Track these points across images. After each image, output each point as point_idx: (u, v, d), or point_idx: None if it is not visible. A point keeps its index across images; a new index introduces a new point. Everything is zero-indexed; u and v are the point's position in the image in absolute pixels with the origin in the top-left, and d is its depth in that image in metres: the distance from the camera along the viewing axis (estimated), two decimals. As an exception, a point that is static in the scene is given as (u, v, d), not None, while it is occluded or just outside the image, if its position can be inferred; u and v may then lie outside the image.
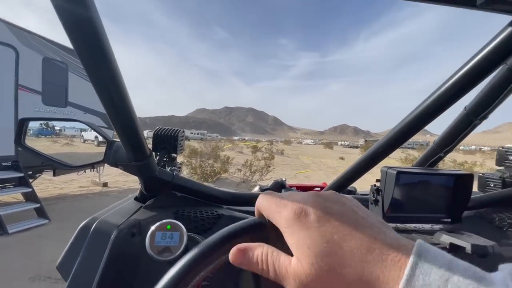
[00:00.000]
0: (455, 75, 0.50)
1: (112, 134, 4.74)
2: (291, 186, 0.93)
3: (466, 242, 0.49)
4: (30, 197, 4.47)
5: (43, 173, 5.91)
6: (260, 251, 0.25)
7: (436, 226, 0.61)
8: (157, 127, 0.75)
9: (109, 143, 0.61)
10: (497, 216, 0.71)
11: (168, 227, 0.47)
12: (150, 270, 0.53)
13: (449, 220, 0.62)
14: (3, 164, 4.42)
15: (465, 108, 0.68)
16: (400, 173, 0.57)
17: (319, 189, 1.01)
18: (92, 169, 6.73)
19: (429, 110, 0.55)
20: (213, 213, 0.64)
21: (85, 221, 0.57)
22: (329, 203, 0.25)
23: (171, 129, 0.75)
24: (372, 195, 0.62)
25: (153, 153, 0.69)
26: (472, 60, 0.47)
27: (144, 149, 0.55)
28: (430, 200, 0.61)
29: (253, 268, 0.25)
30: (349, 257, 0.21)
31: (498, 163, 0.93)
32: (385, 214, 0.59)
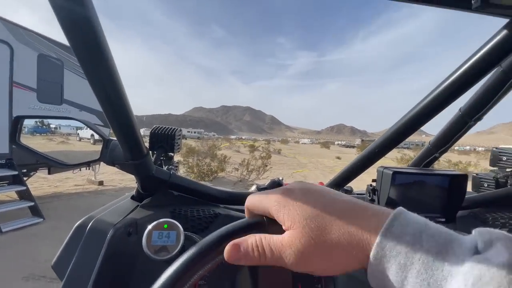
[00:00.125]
0: (450, 77, 0.51)
1: (108, 132, 4.70)
2: (288, 186, 0.94)
3: None
4: (25, 195, 4.41)
5: (37, 171, 5.84)
6: (253, 238, 0.26)
7: None
8: (154, 126, 0.75)
9: (106, 142, 0.61)
10: (490, 216, 0.72)
11: (165, 226, 0.47)
12: (147, 269, 0.53)
13: (443, 219, 0.63)
14: (-3, 162, 4.36)
15: (460, 109, 0.69)
16: (396, 173, 0.58)
17: None
18: (87, 167, 6.68)
19: (425, 111, 0.56)
20: (210, 212, 0.64)
21: (81, 220, 0.56)
22: (309, 185, 0.29)
23: (168, 127, 0.75)
24: (368, 194, 0.62)
25: (150, 152, 0.69)
26: (467, 63, 0.48)
27: (141, 147, 0.55)
28: (425, 200, 0.62)
29: (249, 259, 0.25)
30: (335, 217, 0.23)
31: (492, 163, 0.94)
32: None
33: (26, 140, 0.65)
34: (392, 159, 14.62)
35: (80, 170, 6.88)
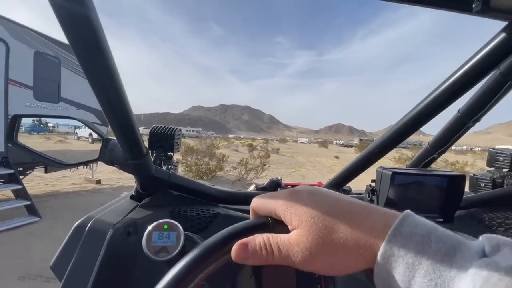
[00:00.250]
0: (449, 78, 0.51)
1: (106, 131, 4.67)
2: (286, 185, 0.94)
3: None
4: (21, 194, 4.37)
5: (34, 169, 5.80)
6: (260, 238, 0.26)
7: None
8: (154, 125, 0.75)
9: (105, 141, 0.60)
10: (487, 215, 0.72)
11: (165, 227, 0.47)
12: (146, 270, 0.53)
13: (441, 220, 0.64)
14: (-7, 160, 4.31)
15: (458, 110, 0.69)
16: (395, 174, 0.58)
17: None
18: (85, 166, 6.64)
19: (424, 112, 0.56)
20: (209, 212, 0.64)
21: (80, 220, 0.56)
22: (314, 188, 0.29)
23: (167, 127, 0.75)
24: (367, 195, 0.63)
25: (150, 151, 0.69)
26: (466, 64, 0.48)
27: (140, 147, 0.55)
28: (424, 201, 0.62)
29: (257, 258, 0.25)
30: (343, 217, 0.24)
31: (489, 164, 0.95)
32: None
33: (24, 139, 0.65)
34: (390, 159, 14.70)
35: (78, 168, 6.84)
